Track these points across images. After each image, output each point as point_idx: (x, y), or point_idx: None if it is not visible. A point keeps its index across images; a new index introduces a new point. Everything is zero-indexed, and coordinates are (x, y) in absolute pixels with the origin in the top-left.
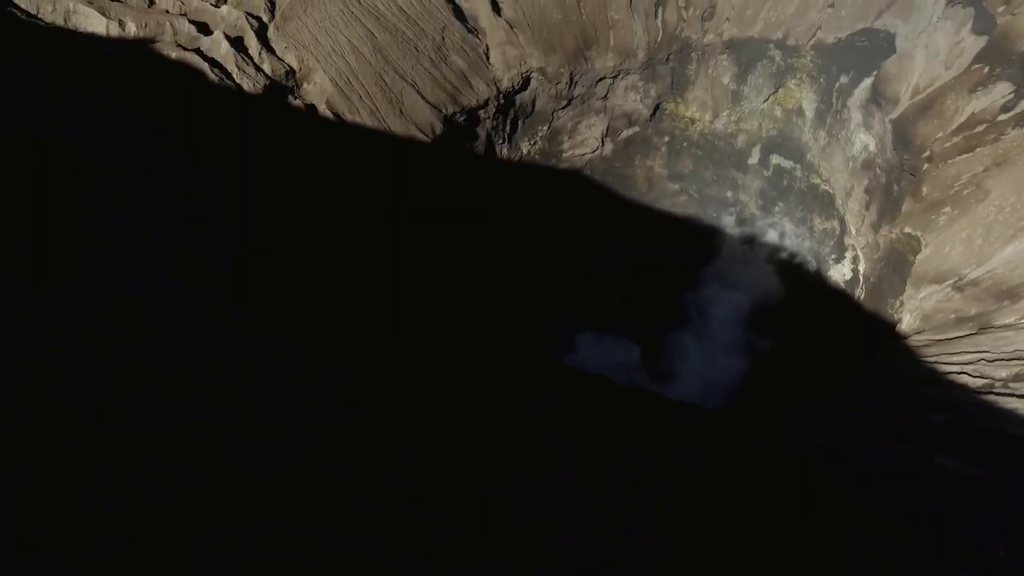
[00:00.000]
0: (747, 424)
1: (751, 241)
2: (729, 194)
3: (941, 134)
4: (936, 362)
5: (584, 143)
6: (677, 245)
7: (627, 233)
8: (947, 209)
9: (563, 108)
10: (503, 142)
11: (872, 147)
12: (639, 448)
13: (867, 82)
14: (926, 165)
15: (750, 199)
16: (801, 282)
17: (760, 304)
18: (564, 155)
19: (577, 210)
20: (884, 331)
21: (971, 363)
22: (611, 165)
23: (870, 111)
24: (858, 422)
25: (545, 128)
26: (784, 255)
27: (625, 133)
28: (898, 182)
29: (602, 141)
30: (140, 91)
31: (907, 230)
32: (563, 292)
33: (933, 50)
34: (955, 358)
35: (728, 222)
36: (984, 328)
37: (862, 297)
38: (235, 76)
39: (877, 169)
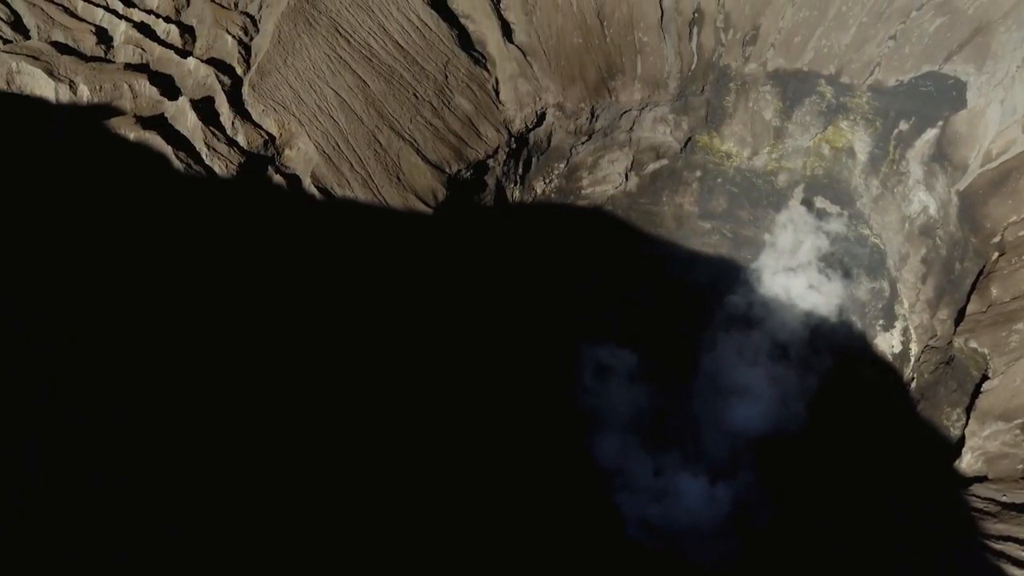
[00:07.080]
0: None
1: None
2: (767, 236)
3: (1015, 218)
4: (1002, 553)
5: (606, 179)
6: (707, 279)
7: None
8: (1020, 327)
9: (583, 143)
10: (515, 184)
11: (932, 211)
12: None
13: (931, 133)
14: (996, 255)
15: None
16: (844, 343)
17: (799, 350)
18: (583, 191)
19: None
20: (938, 449)
21: None
22: (635, 201)
23: (933, 170)
24: None
25: (562, 165)
26: (825, 308)
27: (652, 167)
28: (961, 260)
29: (626, 176)
30: None
31: (972, 344)
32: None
33: (1010, 108)
34: None
35: (764, 264)
36: None
37: (913, 387)
38: (204, 157)
39: (937, 239)
